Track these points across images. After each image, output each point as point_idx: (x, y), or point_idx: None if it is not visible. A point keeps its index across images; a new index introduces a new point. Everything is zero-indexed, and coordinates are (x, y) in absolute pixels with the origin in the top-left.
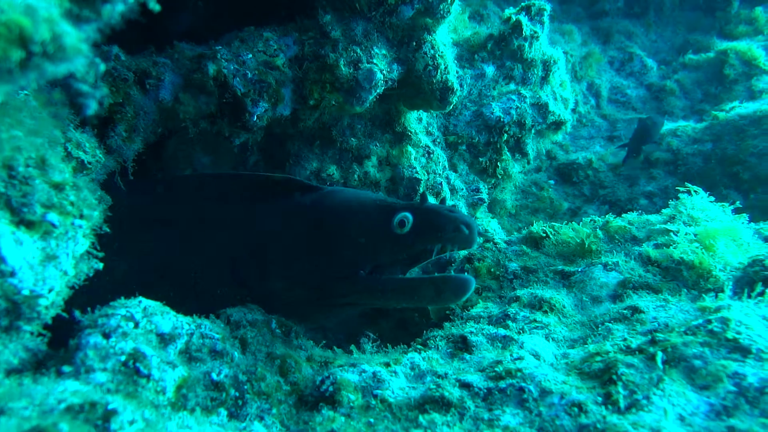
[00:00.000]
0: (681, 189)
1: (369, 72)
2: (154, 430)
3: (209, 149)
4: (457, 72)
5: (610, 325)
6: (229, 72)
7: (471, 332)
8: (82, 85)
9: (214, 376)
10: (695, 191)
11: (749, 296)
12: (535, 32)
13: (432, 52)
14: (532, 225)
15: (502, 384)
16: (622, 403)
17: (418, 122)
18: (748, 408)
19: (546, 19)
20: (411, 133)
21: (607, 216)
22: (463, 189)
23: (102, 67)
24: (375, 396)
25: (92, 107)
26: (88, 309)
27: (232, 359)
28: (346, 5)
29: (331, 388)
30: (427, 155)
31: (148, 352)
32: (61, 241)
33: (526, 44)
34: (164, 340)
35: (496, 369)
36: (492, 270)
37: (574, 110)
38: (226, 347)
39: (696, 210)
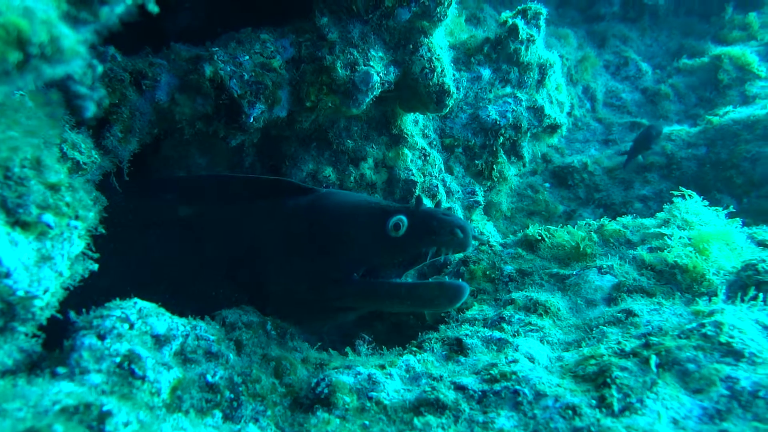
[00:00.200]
0: (675, 193)
1: (366, 74)
2: None
3: (205, 150)
4: (453, 75)
5: (604, 328)
6: (225, 73)
7: (466, 335)
8: (80, 87)
9: (209, 377)
10: (689, 195)
11: (742, 300)
12: (531, 36)
13: (429, 54)
14: (528, 228)
15: (497, 387)
16: (616, 407)
17: (414, 125)
18: (741, 412)
19: (542, 22)
20: (407, 135)
21: (602, 219)
22: (459, 191)
23: (100, 69)
24: (370, 398)
25: (91, 109)
26: (83, 310)
27: (228, 361)
28: (343, 8)
29: (326, 390)
30: (423, 157)
31: (143, 353)
32: (57, 242)
33: (522, 48)
34: (159, 341)
35: (491, 372)
36: (487, 273)
37: (569, 114)
38: (222, 349)
39: (690, 214)
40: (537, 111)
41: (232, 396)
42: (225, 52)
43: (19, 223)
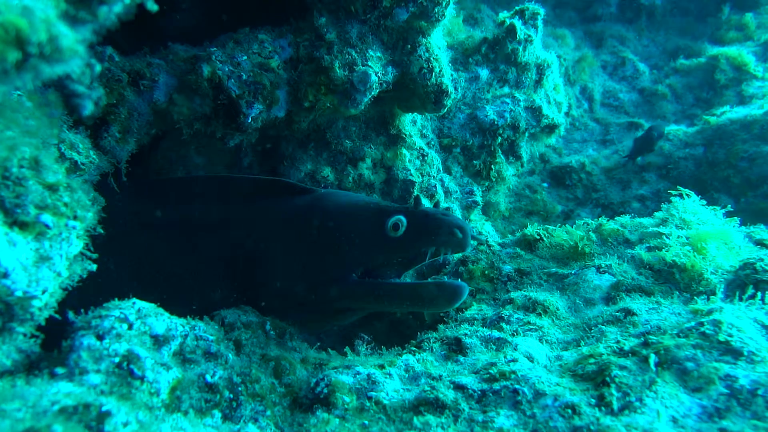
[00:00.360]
0: (673, 192)
1: (364, 74)
2: None
3: (203, 150)
4: (451, 75)
5: (603, 327)
6: (223, 73)
7: (465, 334)
8: (78, 86)
9: (208, 377)
10: (687, 195)
11: (741, 299)
12: (529, 36)
13: (427, 55)
14: (526, 228)
15: (496, 386)
16: (615, 405)
17: (412, 125)
18: (740, 410)
19: (540, 23)
20: (405, 135)
21: (600, 219)
22: (457, 191)
23: (98, 68)
24: (369, 398)
25: (88, 108)
26: (82, 310)
27: (227, 361)
28: (341, 8)
29: (325, 390)
30: (421, 158)
31: (142, 353)
32: (55, 242)
33: (520, 48)
34: (158, 341)
35: (490, 371)
36: (486, 272)
37: (567, 114)
38: (221, 349)
39: (688, 213)
40: (535, 111)
41: (231, 396)
42: (223, 52)
43: (17, 223)
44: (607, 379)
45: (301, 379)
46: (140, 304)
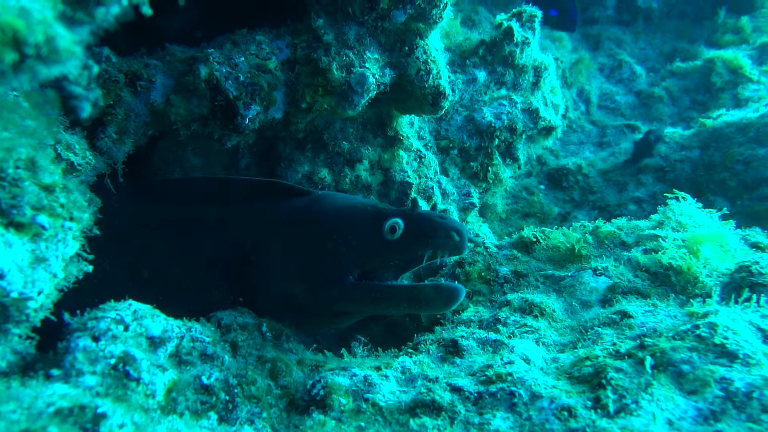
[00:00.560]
0: (669, 195)
1: (361, 76)
2: None
3: (200, 151)
4: (449, 77)
5: (599, 329)
6: (221, 75)
7: (462, 336)
8: (76, 87)
9: (204, 379)
10: (683, 197)
11: (736, 302)
12: (526, 38)
13: (424, 56)
14: (523, 229)
15: (492, 388)
16: (611, 408)
17: (410, 126)
18: (736, 413)
19: (537, 25)
20: (403, 137)
21: (596, 221)
22: (454, 193)
23: (95, 69)
24: (366, 400)
25: (86, 110)
26: (78, 312)
27: (223, 363)
28: (339, 9)
29: (321, 392)
30: (418, 159)
31: (138, 355)
32: (51, 243)
33: (518, 50)
34: (154, 343)
35: (486, 373)
36: (483, 274)
37: (564, 116)
38: (217, 350)
39: (684, 216)
40: (532, 113)
41: (227, 398)
42: (220, 53)
43: (13, 224)
44: (603, 381)
45: (297, 380)
46: (136, 305)
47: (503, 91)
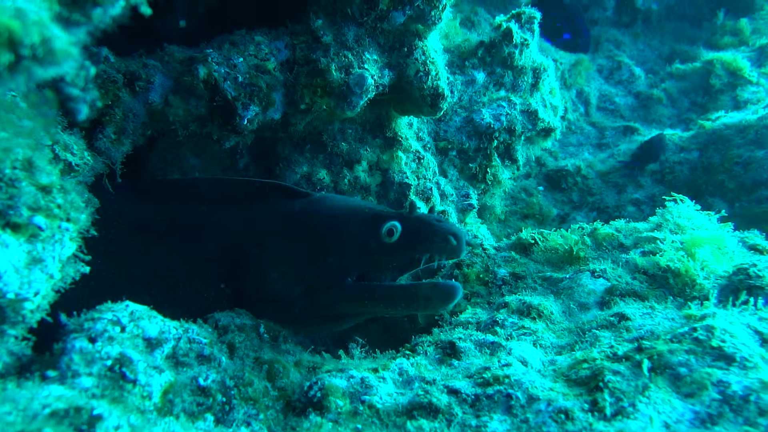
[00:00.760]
0: (667, 198)
1: (360, 77)
2: None
3: (199, 152)
4: (447, 78)
5: (597, 332)
6: (219, 75)
7: (459, 338)
8: (73, 89)
9: (201, 381)
10: (681, 200)
11: (734, 304)
12: (525, 40)
13: (423, 58)
14: (521, 231)
15: (489, 390)
16: (608, 411)
17: (408, 127)
18: (733, 416)
19: (536, 26)
20: (401, 138)
21: (595, 223)
22: (453, 194)
23: (93, 70)
24: (363, 402)
25: (83, 112)
26: (74, 313)
27: (220, 364)
28: (338, 10)
29: (318, 394)
30: (417, 160)
31: (134, 356)
32: (48, 244)
33: (517, 51)
34: (151, 344)
35: (484, 375)
36: (481, 276)
37: (563, 117)
38: (214, 352)
39: (682, 218)
40: (531, 115)
41: (224, 399)
42: (219, 53)
43: (9, 224)
44: (601, 384)
45: (294, 382)
46: (133, 306)
47: (502, 93)
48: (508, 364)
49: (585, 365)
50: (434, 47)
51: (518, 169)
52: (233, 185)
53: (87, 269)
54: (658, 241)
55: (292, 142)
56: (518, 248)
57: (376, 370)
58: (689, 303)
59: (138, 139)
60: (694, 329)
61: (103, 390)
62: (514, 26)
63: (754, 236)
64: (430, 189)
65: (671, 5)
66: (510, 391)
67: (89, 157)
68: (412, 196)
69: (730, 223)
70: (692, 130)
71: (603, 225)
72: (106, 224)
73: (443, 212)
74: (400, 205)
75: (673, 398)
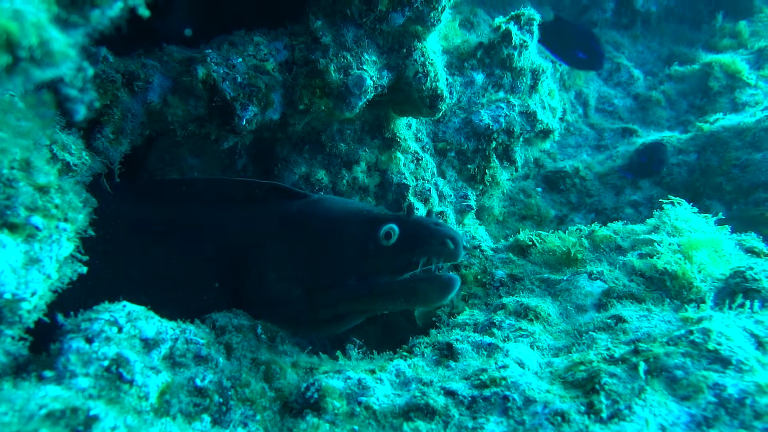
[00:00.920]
0: (664, 201)
1: (359, 78)
2: None
3: (197, 152)
4: (446, 79)
5: (594, 334)
6: (218, 75)
7: (457, 340)
8: (70, 90)
9: (198, 381)
10: (678, 203)
11: (730, 307)
12: (525, 41)
13: (422, 59)
14: (519, 233)
15: (486, 392)
16: (604, 413)
17: (407, 128)
18: (728, 419)
19: (535, 28)
20: (400, 139)
21: (592, 225)
22: (451, 195)
23: (90, 71)
24: (360, 403)
25: (81, 113)
26: (71, 313)
27: (217, 365)
28: (337, 11)
29: (315, 395)
30: (416, 161)
31: (131, 357)
32: (45, 244)
33: (516, 53)
34: (148, 345)
35: (480, 377)
36: (479, 277)
37: (562, 119)
38: (211, 353)
39: (679, 221)
40: (530, 116)
41: (221, 400)
42: (218, 54)
43: (7, 224)
44: (597, 386)
45: (291, 383)
46: (130, 306)
47: (501, 94)
48: (505, 366)
49: (582, 367)
50: (433, 48)
51: (517, 171)
52: (232, 186)
53: (84, 269)
54: (656, 244)
55: (290, 143)
56: (516, 250)
57: (373, 372)
58: (686, 306)
59: (136, 139)
60: (691, 332)
61: (99, 390)
62: (513, 28)
63: (752, 239)
64: (429, 190)
65: (670, 7)
66: (507, 393)
67: (87, 157)
68: (411, 197)
69: (727, 225)
70: (690, 132)
71: (601, 227)
72: (104, 224)
73: (441, 213)
74: (399, 205)
75: (669, 401)
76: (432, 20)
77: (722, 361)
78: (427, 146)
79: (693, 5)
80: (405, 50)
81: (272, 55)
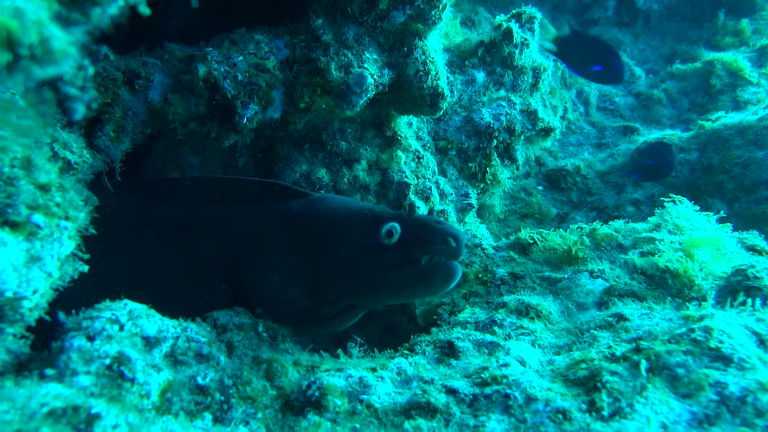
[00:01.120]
0: (666, 200)
1: (360, 76)
2: None
3: (198, 150)
4: (447, 78)
5: (595, 332)
6: (219, 74)
7: (458, 338)
8: (71, 88)
9: (199, 380)
10: (680, 201)
11: (732, 305)
12: (526, 39)
13: (423, 57)
14: (521, 231)
15: (487, 390)
16: (606, 411)
17: (408, 127)
18: (730, 417)
19: (536, 26)
20: (401, 137)
21: (594, 223)
22: (452, 194)
23: (91, 70)
24: (361, 401)
25: (80, 111)
26: (73, 311)
27: (218, 363)
28: (338, 9)
29: (317, 393)
30: (416, 160)
31: (132, 355)
32: (46, 242)
33: (517, 51)
34: (149, 343)
35: (482, 375)
36: (480, 275)
37: (563, 117)
38: (212, 351)
39: (681, 219)
40: (531, 114)
41: (222, 398)
42: (219, 52)
43: (8, 223)
44: (599, 384)
45: (292, 381)
46: (132, 305)
47: (502, 92)
48: (506, 364)
49: (583, 365)
50: (434, 47)
51: (518, 169)
52: (232, 184)
53: (86, 268)
54: (657, 242)
55: (291, 141)
56: (517, 248)
57: (374, 370)
58: (687, 304)
59: (137, 137)
60: (692, 330)
61: (101, 389)
62: (514, 26)
63: (753, 237)
64: (430, 188)
65: (672, 5)
66: (508, 391)
67: (88, 156)
68: (412, 196)
69: (729, 223)
70: (692, 130)
71: (602, 225)
72: (106, 223)
73: (442, 212)
74: (400, 204)
75: (671, 399)
76: (433, 18)
77: (724, 359)
78: (428, 144)
79: (695, 3)
80: (406, 48)
81: (273, 53)
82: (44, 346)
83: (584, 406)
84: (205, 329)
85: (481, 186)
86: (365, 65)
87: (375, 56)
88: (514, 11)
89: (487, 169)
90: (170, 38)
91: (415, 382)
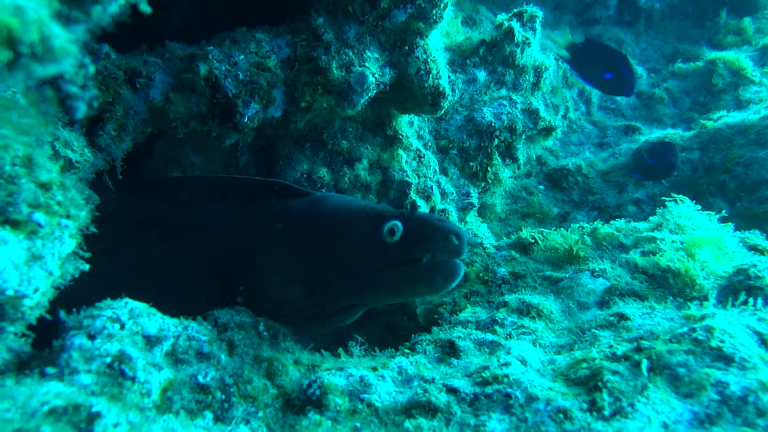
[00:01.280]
0: (667, 200)
1: (361, 75)
2: None
3: (199, 149)
4: (449, 77)
5: (596, 331)
6: (220, 73)
7: (459, 337)
8: (71, 87)
9: (200, 378)
10: (681, 200)
11: (733, 305)
12: (527, 38)
13: (424, 56)
14: (522, 230)
15: (488, 389)
16: (607, 410)
17: (409, 126)
18: (731, 416)
19: (538, 25)
20: (402, 136)
21: (595, 222)
22: (453, 193)
23: (92, 68)
24: (362, 400)
25: (81, 110)
26: (74, 310)
27: (219, 362)
28: (339, 8)
29: (318, 392)
30: (418, 159)
31: (133, 354)
32: (47, 241)
33: (518, 50)
34: (150, 342)
35: (483, 374)
36: (481, 275)
37: (564, 116)
38: (213, 350)
39: (682, 218)
40: (532, 113)
41: (223, 397)
42: (220, 51)
43: (9, 221)
44: (599, 383)
45: (293, 380)
46: (133, 303)
47: (503, 91)
48: (507, 364)
49: (584, 365)
50: (435, 46)
51: (519, 168)
52: (234, 183)
53: (87, 266)
54: (658, 241)
55: (292, 140)
56: (518, 247)
57: (375, 369)
58: (689, 303)
59: (138, 136)
60: (694, 329)
61: (102, 387)
62: (516, 25)
63: (755, 236)
64: (431, 187)
65: (674, 4)
66: (509, 390)
67: (90, 154)
68: (413, 195)
69: (730, 223)
70: (694, 129)
71: (603, 224)
72: (107, 221)
73: (443, 211)
74: (401, 203)
75: (672, 398)
76: (434, 17)
77: (725, 359)
78: (429, 144)
79: (697, 2)
80: (407, 47)
81: (274, 52)
82: (45, 344)
83: (585, 406)
84: (206, 328)
85: (483, 185)
86: (366, 64)
87: (376, 55)
88: (515, 10)
89: (489, 168)
90: (171, 37)
91: (416, 381)
